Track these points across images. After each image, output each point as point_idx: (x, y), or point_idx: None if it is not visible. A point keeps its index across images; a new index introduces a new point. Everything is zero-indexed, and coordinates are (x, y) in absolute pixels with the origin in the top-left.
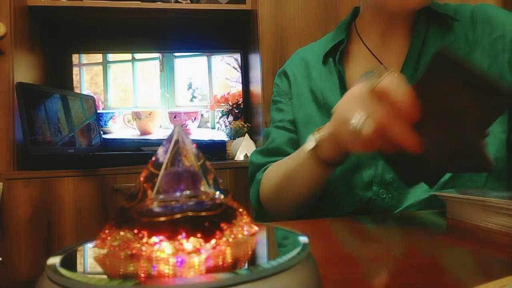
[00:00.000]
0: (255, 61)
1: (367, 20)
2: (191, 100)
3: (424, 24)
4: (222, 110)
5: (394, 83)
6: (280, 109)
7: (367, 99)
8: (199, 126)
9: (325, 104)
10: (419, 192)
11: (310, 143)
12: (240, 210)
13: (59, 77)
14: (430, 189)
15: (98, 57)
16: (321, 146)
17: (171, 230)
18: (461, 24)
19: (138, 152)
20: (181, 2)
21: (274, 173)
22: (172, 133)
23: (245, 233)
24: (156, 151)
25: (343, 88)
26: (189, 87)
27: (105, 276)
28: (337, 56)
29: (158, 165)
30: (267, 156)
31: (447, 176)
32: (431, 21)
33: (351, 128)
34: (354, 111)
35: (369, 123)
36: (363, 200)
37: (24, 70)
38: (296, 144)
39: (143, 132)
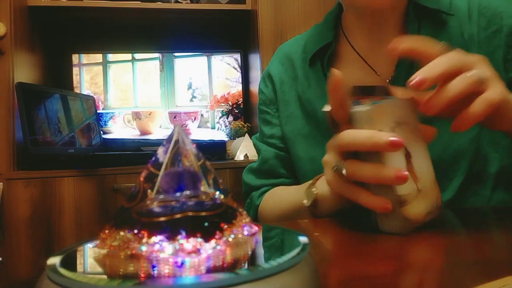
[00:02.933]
0: (255, 61)
1: (350, 17)
2: (191, 100)
3: (415, 22)
4: (222, 110)
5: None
6: (268, 121)
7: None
8: (199, 126)
9: (314, 115)
10: None
11: (307, 199)
12: (240, 210)
13: (59, 77)
14: None
15: (98, 57)
16: (320, 203)
17: (171, 230)
18: (457, 19)
19: (138, 152)
20: (181, 2)
21: (272, 207)
22: (172, 133)
23: (245, 233)
24: (156, 151)
25: None
26: (189, 87)
27: (105, 276)
28: (325, 61)
29: (158, 165)
30: (261, 177)
31: (450, 194)
32: (422, 18)
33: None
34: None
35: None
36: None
37: (24, 70)
38: (287, 162)
39: (143, 132)
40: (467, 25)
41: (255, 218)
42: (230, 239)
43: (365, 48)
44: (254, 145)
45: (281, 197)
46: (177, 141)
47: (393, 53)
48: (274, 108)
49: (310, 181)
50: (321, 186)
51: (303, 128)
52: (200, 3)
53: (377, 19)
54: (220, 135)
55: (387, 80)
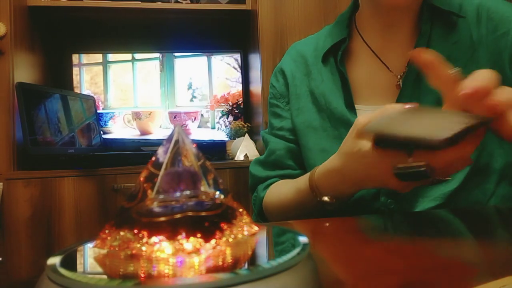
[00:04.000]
0: (255, 61)
1: (366, 15)
2: (191, 100)
3: (428, 22)
4: (222, 110)
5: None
6: (278, 114)
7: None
8: (199, 126)
9: (327, 108)
10: (427, 201)
11: (332, 207)
12: (240, 210)
13: (59, 77)
14: (437, 198)
15: (98, 57)
16: (341, 199)
17: (171, 230)
18: (466, 22)
19: (138, 152)
20: (181, 2)
21: (277, 198)
22: (172, 133)
23: (245, 233)
24: (156, 151)
25: (347, 91)
26: (189, 87)
27: (105, 276)
28: (338, 56)
29: (158, 165)
30: (267, 169)
31: (454, 185)
32: (434, 19)
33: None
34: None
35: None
36: (370, 212)
37: (24, 70)
38: (295, 154)
39: (143, 132)
40: (476, 27)
41: (261, 211)
42: (230, 239)
43: (378, 45)
44: (263, 138)
45: (283, 191)
46: (177, 141)
47: (416, 59)
48: (284, 102)
49: (306, 188)
50: (327, 189)
51: (314, 121)
52: (200, 3)
53: (393, 17)
54: (220, 135)
55: (399, 76)
